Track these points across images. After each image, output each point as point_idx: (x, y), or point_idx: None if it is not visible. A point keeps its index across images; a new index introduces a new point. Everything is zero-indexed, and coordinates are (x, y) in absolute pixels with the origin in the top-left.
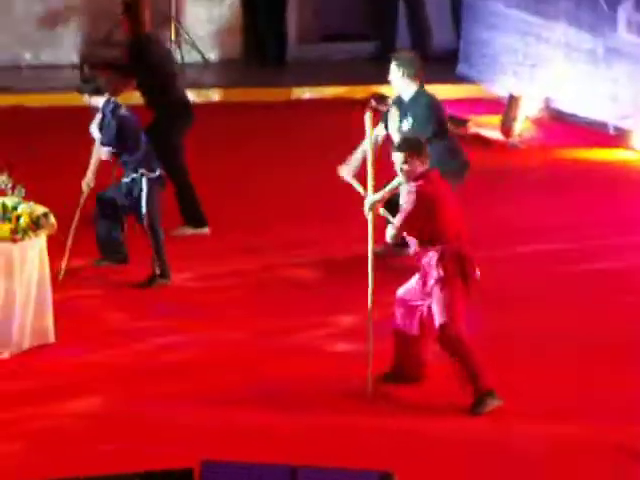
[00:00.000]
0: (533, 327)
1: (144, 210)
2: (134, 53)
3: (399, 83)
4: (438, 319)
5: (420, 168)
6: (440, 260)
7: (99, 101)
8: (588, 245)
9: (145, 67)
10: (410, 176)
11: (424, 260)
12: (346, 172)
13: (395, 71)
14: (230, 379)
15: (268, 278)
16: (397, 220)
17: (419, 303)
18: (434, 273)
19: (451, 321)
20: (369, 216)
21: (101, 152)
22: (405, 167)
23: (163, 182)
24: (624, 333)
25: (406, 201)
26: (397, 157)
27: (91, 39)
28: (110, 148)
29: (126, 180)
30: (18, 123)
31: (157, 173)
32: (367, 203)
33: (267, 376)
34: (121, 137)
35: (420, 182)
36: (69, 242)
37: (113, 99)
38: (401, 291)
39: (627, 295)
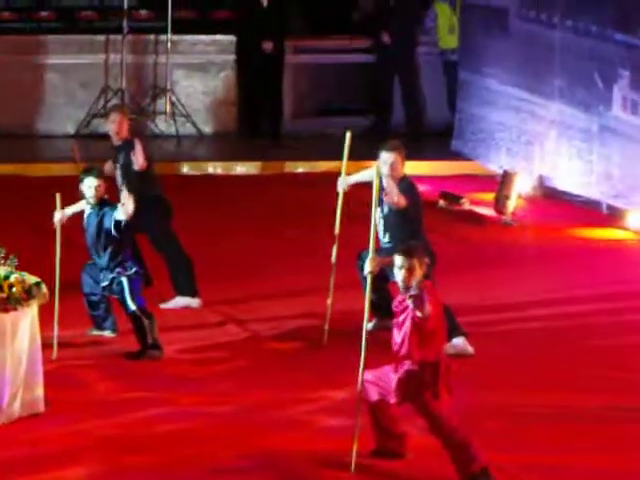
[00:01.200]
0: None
1: (132, 307)
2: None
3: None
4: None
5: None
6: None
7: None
8: (583, 322)
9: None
10: (411, 284)
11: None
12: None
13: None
14: (219, 452)
15: (258, 351)
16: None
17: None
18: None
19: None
20: (368, 277)
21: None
22: (407, 276)
23: (144, 276)
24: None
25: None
26: (405, 263)
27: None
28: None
29: (104, 284)
30: (15, 192)
31: (134, 269)
32: (368, 263)
33: (256, 450)
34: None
35: (428, 304)
36: (56, 312)
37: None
38: (374, 372)
39: (622, 372)
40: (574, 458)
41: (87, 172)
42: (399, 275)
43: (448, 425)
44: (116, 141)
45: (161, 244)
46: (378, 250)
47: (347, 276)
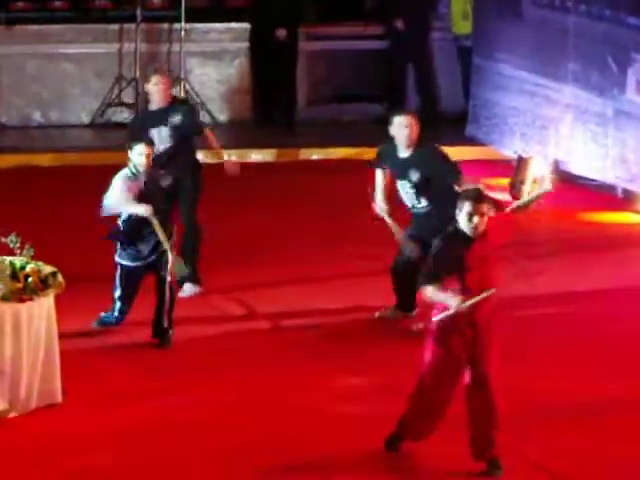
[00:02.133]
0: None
1: (168, 277)
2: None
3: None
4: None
5: None
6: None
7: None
8: (600, 307)
9: None
10: (482, 230)
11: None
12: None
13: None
14: (235, 440)
15: (273, 338)
16: None
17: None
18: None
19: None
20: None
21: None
22: (481, 221)
23: None
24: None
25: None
26: (479, 209)
27: (103, 101)
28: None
29: (152, 258)
30: (25, 182)
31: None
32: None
33: (271, 437)
34: None
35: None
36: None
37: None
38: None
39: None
40: (603, 446)
41: (137, 140)
42: (471, 222)
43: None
44: (162, 104)
45: (192, 215)
46: (413, 216)
47: (364, 268)
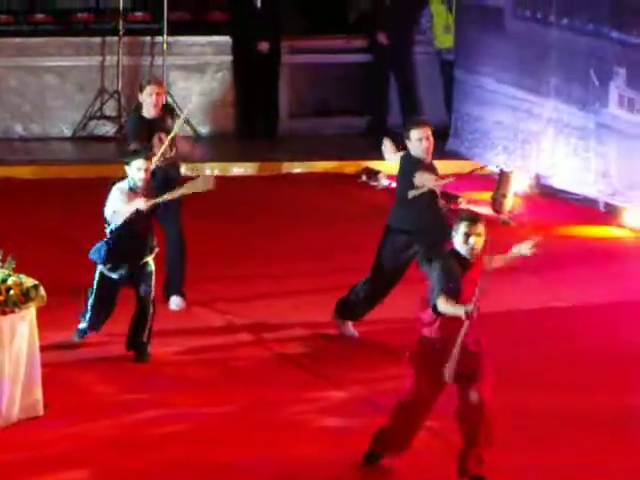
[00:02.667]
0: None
1: (152, 290)
2: None
3: None
4: None
5: None
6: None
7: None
8: (581, 322)
9: None
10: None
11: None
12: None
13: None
14: (217, 453)
15: (255, 351)
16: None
17: None
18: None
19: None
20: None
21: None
22: (478, 241)
23: None
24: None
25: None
26: (475, 229)
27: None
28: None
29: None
30: (6, 195)
31: None
32: None
33: (254, 450)
34: None
35: None
36: None
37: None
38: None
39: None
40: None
41: (135, 154)
42: (467, 244)
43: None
44: (154, 114)
45: (178, 226)
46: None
47: (346, 281)
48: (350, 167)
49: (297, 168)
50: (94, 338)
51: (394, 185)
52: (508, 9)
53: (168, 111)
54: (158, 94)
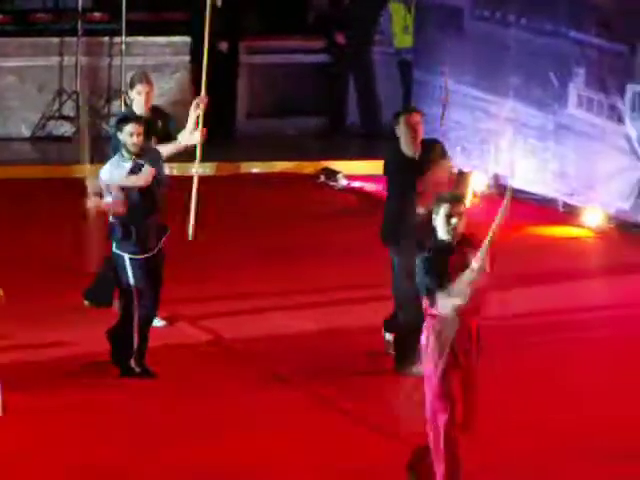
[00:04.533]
0: None
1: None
2: None
3: None
4: None
5: None
6: None
7: None
8: (536, 320)
9: None
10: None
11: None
12: None
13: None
14: (171, 454)
15: (203, 353)
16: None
17: None
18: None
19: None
20: None
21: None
22: (460, 221)
23: None
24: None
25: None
26: (457, 210)
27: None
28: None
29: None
30: None
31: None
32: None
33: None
34: None
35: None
36: None
37: None
38: None
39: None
40: None
41: (125, 120)
42: (449, 224)
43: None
44: (144, 112)
45: None
46: None
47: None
48: (308, 167)
49: (255, 168)
50: (54, 338)
51: (353, 185)
52: (467, 9)
53: (157, 111)
54: (147, 93)
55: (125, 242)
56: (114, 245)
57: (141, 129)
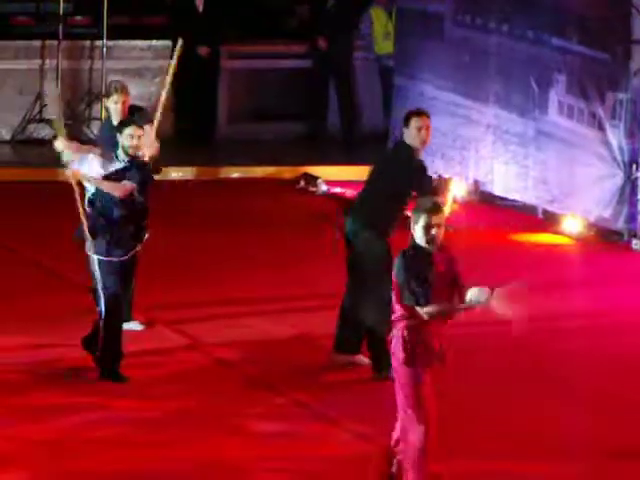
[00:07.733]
0: None
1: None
2: None
3: None
4: None
5: None
6: None
7: None
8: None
9: None
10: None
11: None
12: None
13: None
14: (154, 458)
15: (196, 358)
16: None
17: None
18: None
19: None
20: None
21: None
22: (440, 231)
23: None
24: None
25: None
26: (436, 220)
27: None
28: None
29: None
30: None
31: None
32: None
33: (192, 455)
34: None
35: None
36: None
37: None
38: None
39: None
40: None
41: (126, 123)
42: (428, 235)
43: None
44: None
45: None
46: None
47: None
48: (288, 173)
49: (235, 173)
50: (34, 340)
51: (333, 190)
52: (448, 15)
53: (134, 109)
54: (123, 102)
55: (96, 243)
56: (86, 245)
57: (141, 132)
